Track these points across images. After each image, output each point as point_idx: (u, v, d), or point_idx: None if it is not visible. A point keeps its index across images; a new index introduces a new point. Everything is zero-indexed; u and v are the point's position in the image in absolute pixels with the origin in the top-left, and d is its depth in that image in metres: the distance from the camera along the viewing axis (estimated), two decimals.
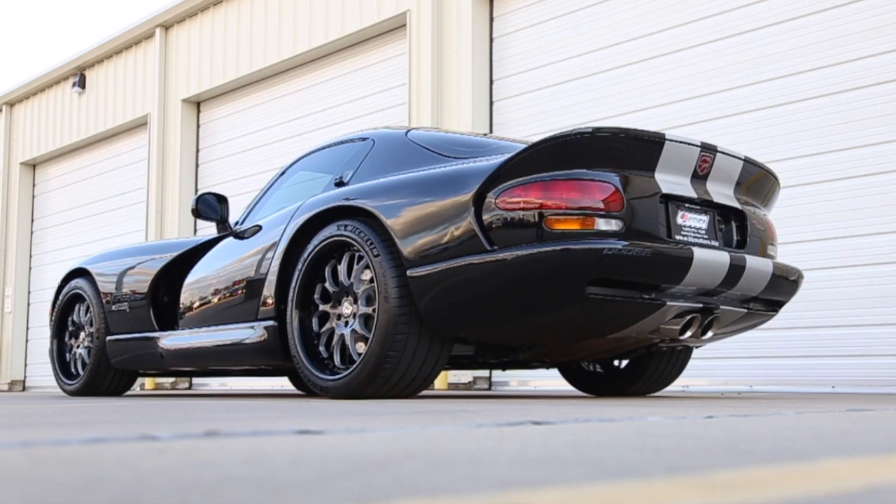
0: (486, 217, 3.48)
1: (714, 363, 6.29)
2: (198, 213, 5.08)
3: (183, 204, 10.89)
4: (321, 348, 3.99)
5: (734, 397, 4.61)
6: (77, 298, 5.90)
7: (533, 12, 7.81)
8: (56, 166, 13.80)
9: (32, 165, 14.25)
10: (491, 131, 7.88)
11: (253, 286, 4.42)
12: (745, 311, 3.93)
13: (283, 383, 8.70)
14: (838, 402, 3.56)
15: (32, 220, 14.14)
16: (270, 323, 4.25)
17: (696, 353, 5.23)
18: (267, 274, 4.30)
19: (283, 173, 5.15)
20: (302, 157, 5.10)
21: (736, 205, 3.89)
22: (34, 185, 14.25)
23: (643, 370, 4.71)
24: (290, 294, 4.06)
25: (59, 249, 13.32)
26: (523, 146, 3.69)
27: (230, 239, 4.95)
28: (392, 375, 3.66)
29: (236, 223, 5.08)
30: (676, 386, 6.03)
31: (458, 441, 1.49)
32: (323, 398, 4.30)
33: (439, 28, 8.28)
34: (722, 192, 3.85)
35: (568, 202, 3.37)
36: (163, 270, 5.33)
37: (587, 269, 3.30)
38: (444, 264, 3.53)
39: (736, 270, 3.64)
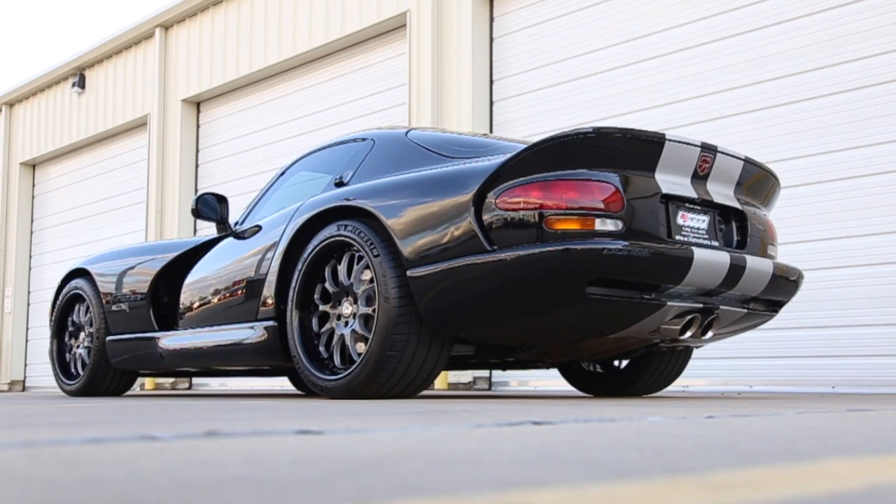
0: (486, 217, 3.48)
1: (714, 363, 6.29)
2: (198, 213, 5.09)
3: (183, 204, 10.88)
4: (321, 348, 3.99)
5: (734, 397, 4.61)
6: (77, 299, 5.90)
7: (533, 12, 7.81)
8: (56, 166, 13.80)
9: (32, 165, 14.25)
10: (491, 131, 7.88)
11: (253, 286, 4.42)
12: (746, 311, 3.93)
13: (283, 383, 8.70)
14: (838, 402, 3.56)
15: (32, 221, 14.14)
16: (270, 323, 4.25)
17: (696, 353, 5.23)
18: (267, 274, 4.30)
19: (282, 173, 5.15)
20: (302, 158, 5.10)
21: (736, 205, 3.89)
22: (34, 186, 14.25)
23: (643, 370, 4.71)
24: (290, 294, 4.06)
25: (59, 249, 13.32)
26: (523, 146, 3.69)
27: (230, 239, 4.95)
28: (392, 375, 3.66)
29: (236, 223, 5.08)
30: (676, 386, 6.03)
31: (458, 441, 1.49)
32: (323, 398, 4.30)
33: (439, 28, 8.28)
34: (722, 193, 3.85)
35: (568, 202, 3.37)
36: (163, 270, 5.33)
37: (587, 269, 3.30)
38: (444, 264, 3.53)
39: (736, 270, 3.64)
